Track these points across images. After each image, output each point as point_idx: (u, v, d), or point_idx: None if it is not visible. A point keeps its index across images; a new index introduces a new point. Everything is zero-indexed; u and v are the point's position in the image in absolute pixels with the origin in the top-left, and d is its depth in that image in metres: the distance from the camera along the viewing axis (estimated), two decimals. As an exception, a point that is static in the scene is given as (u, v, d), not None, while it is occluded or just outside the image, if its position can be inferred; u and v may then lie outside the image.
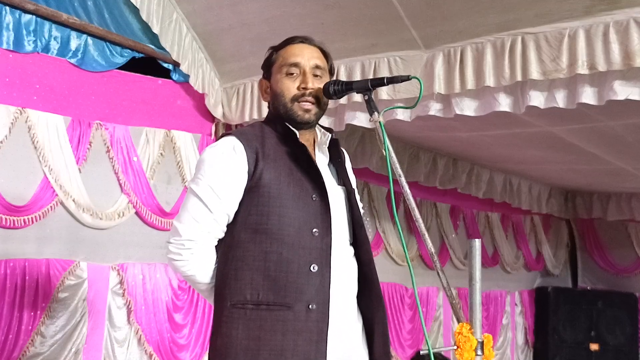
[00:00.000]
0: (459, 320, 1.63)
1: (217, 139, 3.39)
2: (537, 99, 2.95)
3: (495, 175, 6.01)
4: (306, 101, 1.78)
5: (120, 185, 3.45)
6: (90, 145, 3.33)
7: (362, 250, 1.82)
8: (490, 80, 2.91)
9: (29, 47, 3.10)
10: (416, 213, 1.68)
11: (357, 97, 2.99)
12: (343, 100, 3.26)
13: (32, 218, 3.05)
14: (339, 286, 1.73)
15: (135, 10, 3.57)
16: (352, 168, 2.00)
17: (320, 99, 1.80)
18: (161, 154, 3.67)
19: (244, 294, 1.67)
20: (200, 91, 3.86)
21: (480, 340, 1.59)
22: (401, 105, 3.17)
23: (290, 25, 3.31)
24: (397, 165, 1.66)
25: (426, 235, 1.68)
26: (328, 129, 1.90)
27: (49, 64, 3.22)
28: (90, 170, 3.33)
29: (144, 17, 3.53)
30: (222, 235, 1.76)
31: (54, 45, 3.23)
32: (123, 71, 3.57)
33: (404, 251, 1.87)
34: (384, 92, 3.17)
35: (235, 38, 3.68)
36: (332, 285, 1.70)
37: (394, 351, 5.04)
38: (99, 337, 3.31)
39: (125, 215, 3.46)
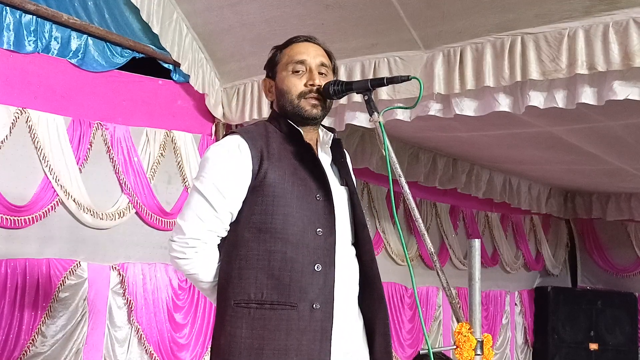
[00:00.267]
0: (458, 320, 1.64)
1: (217, 139, 3.41)
2: (536, 99, 2.95)
3: (495, 175, 6.01)
4: (313, 97, 1.78)
5: (120, 185, 3.46)
6: (90, 145, 3.33)
7: (364, 250, 1.83)
8: (490, 81, 2.92)
9: (29, 47, 3.11)
10: (416, 213, 1.68)
11: (357, 97, 2.99)
12: (343, 100, 3.26)
13: (32, 218, 3.06)
14: (342, 286, 1.73)
15: (135, 11, 3.57)
16: (352, 168, 2.01)
17: (326, 96, 1.81)
18: (161, 154, 3.68)
19: (247, 293, 1.67)
20: (201, 91, 3.87)
21: (479, 339, 1.59)
22: (401, 105, 3.17)
23: (290, 25, 3.31)
24: (397, 165, 1.66)
25: (426, 235, 1.68)
26: (330, 129, 1.90)
27: (50, 64, 3.22)
28: (90, 170, 3.33)
29: (144, 17, 3.53)
30: (225, 234, 1.76)
31: (55, 46, 3.24)
32: (123, 71, 3.58)
33: (404, 251, 1.87)
34: (383, 92, 3.17)
35: (235, 38, 3.69)
36: (335, 285, 1.70)
37: (394, 351, 5.04)
38: (99, 336, 3.31)
39: (126, 215, 3.47)
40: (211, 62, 3.90)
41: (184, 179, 3.75)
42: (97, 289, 3.30)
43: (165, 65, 3.78)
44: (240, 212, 1.73)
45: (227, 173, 1.72)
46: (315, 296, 1.66)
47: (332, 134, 1.88)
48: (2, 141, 2.97)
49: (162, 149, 3.68)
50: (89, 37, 3.38)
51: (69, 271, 3.18)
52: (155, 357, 3.48)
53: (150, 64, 3.73)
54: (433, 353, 1.53)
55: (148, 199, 3.56)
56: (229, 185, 1.71)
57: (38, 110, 3.13)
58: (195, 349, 3.70)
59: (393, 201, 2.25)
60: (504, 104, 3.07)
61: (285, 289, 1.66)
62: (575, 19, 2.69)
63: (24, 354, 2.96)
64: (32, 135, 3.09)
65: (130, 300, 3.41)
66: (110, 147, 3.42)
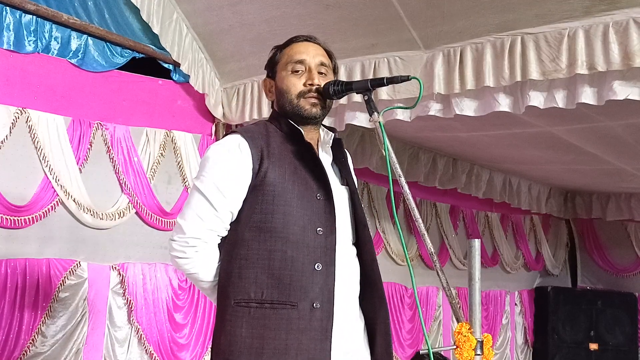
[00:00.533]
0: (458, 320, 1.64)
1: (217, 139, 3.41)
2: (536, 99, 2.95)
3: (495, 175, 6.01)
4: (312, 97, 1.79)
5: (120, 185, 3.46)
6: (90, 145, 3.33)
7: (365, 250, 1.83)
8: (490, 81, 2.92)
9: (29, 47, 3.11)
10: (416, 213, 1.68)
11: (357, 97, 2.99)
12: (343, 100, 3.27)
13: (32, 218, 3.06)
14: (343, 285, 1.73)
15: (135, 11, 3.57)
16: (353, 168, 2.01)
17: (326, 97, 1.81)
18: (161, 154, 3.68)
19: (248, 293, 1.67)
20: (201, 91, 3.87)
21: (479, 339, 1.59)
22: (401, 105, 3.17)
23: (290, 25, 3.31)
24: (397, 165, 1.66)
25: (426, 235, 1.68)
26: (331, 129, 1.90)
27: (50, 64, 3.22)
28: (90, 170, 3.34)
29: (144, 17, 3.53)
30: (225, 233, 1.76)
31: (55, 46, 3.24)
32: (123, 71, 3.58)
33: (404, 251, 1.87)
34: (383, 92, 3.17)
35: (235, 38, 3.69)
36: (336, 284, 1.70)
37: (394, 351, 5.04)
38: (99, 336, 3.31)
39: (126, 215, 3.47)
40: (211, 62, 3.90)
41: (184, 179, 3.75)
42: (97, 289, 3.30)
43: (165, 65, 3.78)
44: (240, 211, 1.74)
45: (227, 172, 1.72)
46: (316, 295, 1.66)
47: (333, 134, 1.88)
48: (2, 141, 2.97)
49: (162, 149, 3.68)
50: (89, 37, 3.38)
51: (69, 271, 3.18)
52: (155, 357, 3.48)
53: (150, 64, 3.73)
54: (433, 353, 1.53)
55: (148, 199, 3.56)
56: (230, 185, 1.71)
57: (38, 110, 3.13)
58: (195, 349, 3.70)
59: (393, 201, 2.24)
60: (504, 104, 3.07)
61: (285, 288, 1.66)
62: (575, 19, 2.69)
63: (24, 354, 2.96)
64: (32, 135, 3.09)
65: (130, 300, 3.41)
66: (110, 147, 3.42)
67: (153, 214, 3.57)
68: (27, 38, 3.10)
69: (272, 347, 1.63)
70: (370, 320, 1.82)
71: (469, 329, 1.59)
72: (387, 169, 1.64)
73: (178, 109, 3.86)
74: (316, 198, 1.73)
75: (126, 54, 3.57)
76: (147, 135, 3.63)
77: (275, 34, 3.22)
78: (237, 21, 3.57)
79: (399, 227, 1.69)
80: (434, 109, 3.26)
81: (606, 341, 6.63)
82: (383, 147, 1.67)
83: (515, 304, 6.81)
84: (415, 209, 1.68)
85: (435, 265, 1.67)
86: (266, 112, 3.63)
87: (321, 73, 1.82)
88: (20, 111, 3.06)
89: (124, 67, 3.58)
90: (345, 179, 1.88)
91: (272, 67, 1.89)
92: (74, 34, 3.31)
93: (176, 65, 3.76)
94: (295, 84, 1.80)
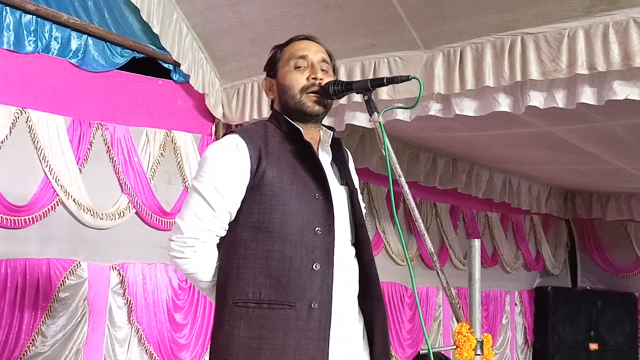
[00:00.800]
0: (458, 320, 1.64)
1: (217, 139, 3.40)
2: (536, 99, 2.95)
3: (495, 175, 6.01)
4: (314, 93, 1.78)
5: (120, 185, 3.46)
6: (90, 145, 3.33)
7: (363, 250, 1.82)
8: (490, 81, 2.92)
9: (29, 47, 3.11)
10: (416, 213, 1.68)
11: (357, 97, 2.99)
12: (343, 100, 3.27)
13: (32, 218, 3.06)
14: (341, 285, 1.73)
15: (135, 11, 3.57)
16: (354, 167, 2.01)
17: (326, 96, 1.81)
18: (161, 154, 3.68)
19: (246, 293, 1.67)
20: (201, 91, 3.87)
21: (479, 339, 1.59)
22: (401, 105, 3.17)
23: (290, 25, 3.31)
24: (397, 166, 1.66)
25: (426, 235, 1.68)
26: (329, 128, 1.90)
27: (50, 64, 3.22)
28: (90, 170, 3.34)
29: (144, 17, 3.53)
30: (224, 233, 1.76)
31: (55, 46, 3.24)
32: (123, 71, 3.58)
33: (404, 251, 1.87)
34: (383, 92, 3.17)
35: (235, 38, 3.69)
36: (334, 284, 1.70)
37: (394, 351, 5.04)
38: (99, 336, 3.31)
39: (126, 215, 3.47)
40: (211, 62, 3.90)
41: (184, 179, 3.75)
42: (97, 289, 3.31)
43: (165, 65, 3.78)
44: (239, 211, 1.73)
45: (225, 172, 1.72)
46: (314, 295, 1.66)
47: (332, 133, 1.88)
48: (2, 141, 2.98)
49: (162, 149, 3.69)
50: (89, 37, 3.38)
51: (69, 271, 3.18)
52: (155, 357, 3.48)
53: (150, 64, 3.73)
54: (433, 353, 1.53)
55: (148, 199, 3.56)
56: (228, 185, 1.71)
57: (38, 110, 3.13)
58: (195, 349, 3.70)
59: (393, 201, 2.25)
60: (504, 104, 3.07)
61: (283, 288, 1.66)
62: (575, 19, 2.69)
63: (24, 354, 2.96)
64: (32, 135, 3.09)
65: (130, 300, 3.41)
66: (110, 147, 3.42)
67: (153, 214, 3.57)
68: (27, 38, 3.10)
69: (270, 347, 1.63)
70: (369, 321, 1.81)
71: (469, 329, 1.59)
72: (387, 169, 1.64)
73: (178, 109, 3.86)
74: (315, 198, 1.73)
75: (126, 54, 3.57)
76: (147, 135, 3.63)
77: (275, 34, 3.22)
78: (237, 21, 3.57)
79: (399, 227, 1.69)
80: (434, 109, 3.26)
81: (606, 341, 6.63)
82: (383, 147, 1.66)
83: (515, 304, 6.81)
84: (415, 209, 1.68)
85: (435, 265, 1.67)
86: (266, 112, 3.63)
87: (323, 70, 1.83)
88: (20, 111, 3.06)
89: (124, 67, 3.58)
90: (345, 179, 1.88)
91: (272, 66, 1.88)
92: (74, 34, 3.31)
93: (176, 65, 3.76)
94: (298, 79, 1.80)
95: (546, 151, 4.87)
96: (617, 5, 2.57)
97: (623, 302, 6.75)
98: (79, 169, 3.26)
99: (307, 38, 1.89)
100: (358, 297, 1.82)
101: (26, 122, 3.08)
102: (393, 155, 1.66)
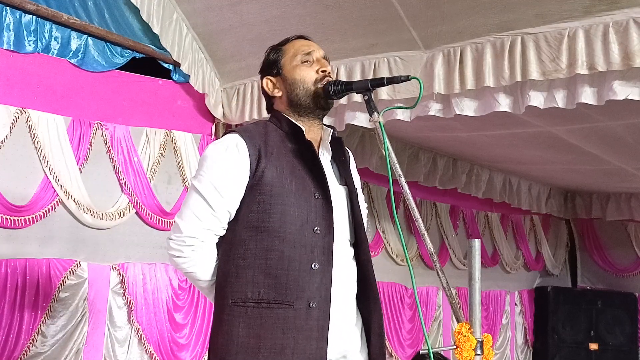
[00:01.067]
0: (458, 320, 1.64)
1: (217, 139, 3.41)
2: (536, 99, 2.96)
3: (494, 175, 6.01)
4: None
5: (120, 185, 3.46)
6: (90, 145, 3.33)
7: (361, 250, 1.83)
8: (490, 81, 2.92)
9: (29, 47, 3.11)
10: (416, 213, 1.68)
11: (357, 97, 2.99)
12: (343, 100, 3.27)
13: (32, 218, 3.06)
14: (340, 285, 1.73)
15: (135, 11, 3.57)
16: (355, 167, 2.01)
17: (326, 96, 1.81)
18: (161, 154, 3.68)
19: (244, 292, 1.67)
20: (201, 91, 3.87)
21: (479, 339, 1.59)
22: (401, 105, 3.17)
23: (290, 25, 3.31)
24: (397, 165, 1.66)
25: (426, 235, 1.68)
26: (329, 127, 1.90)
27: (50, 64, 3.22)
28: (90, 170, 3.34)
29: (144, 17, 3.53)
30: (223, 232, 1.76)
31: (55, 46, 3.24)
32: (123, 71, 3.58)
33: (404, 251, 1.87)
34: (383, 92, 3.17)
35: (235, 38, 3.69)
36: (333, 284, 1.70)
37: (394, 351, 5.04)
38: (99, 336, 3.31)
39: (126, 215, 3.47)
40: (211, 62, 3.90)
41: (184, 179, 3.75)
42: (97, 289, 3.31)
43: (165, 65, 3.78)
44: (238, 210, 1.74)
45: (225, 172, 1.72)
46: (312, 295, 1.67)
47: (332, 132, 1.88)
48: (2, 141, 2.98)
49: (162, 149, 3.69)
50: (89, 37, 3.38)
51: (69, 271, 3.18)
52: (155, 357, 3.48)
53: (150, 64, 3.73)
54: (433, 353, 1.53)
55: (148, 199, 3.56)
56: (227, 184, 1.71)
57: (38, 110, 3.13)
58: (195, 349, 3.70)
59: (393, 201, 2.25)
60: (504, 104, 3.07)
61: (282, 287, 1.66)
62: (575, 19, 2.69)
63: (24, 354, 2.96)
64: (32, 135, 3.09)
65: (130, 300, 3.41)
66: (110, 147, 3.42)
67: (153, 214, 3.57)
68: (27, 38, 3.10)
69: (268, 347, 1.63)
70: (366, 321, 1.82)
71: (469, 329, 1.59)
72: (387, 169, 1.65)
73: (178, 109, 3.86)
74: (314, 197, 1.73)
75: (126, 54, 3.57)
76: (147, 135, 3.63)
77: (275, 34, 3.20)
78: (237, 21, 3.57)
79: (399, 227, 1.69)
80: (434, 109, 3.26)
81: (606, 341, 6.63)
82: (383, 147, 1.67)
83: (515, 304, 6.81)
84: (415, 209, 1.68)
85: (435, 265, 1.67)
86: (266, 112, 3.63)
87: None
88: (20, 111, 3.06)
89: (124, 67, 3.58)
90: (344, 179, 1.88)
91: (274, 65, 1.88)
92: (74, 34, 3.31)
93: (176, 65, 3.76)
94: (310, 72, 1.82)
95: (546, 151, 4.87)
96: (617, 5, 2.57)
97: (623, 302, 6.74)
98: (79, 169, 3.26)
99: (304, 37, 1.90)
100: (355, 297, 1.82)
101: (26, 122, 3.08)
102: (393, 155, 1.66)
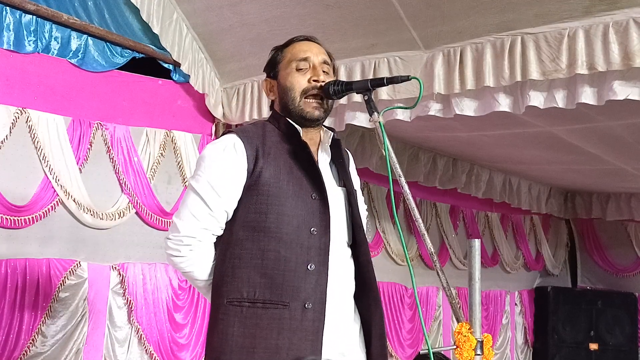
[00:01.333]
0: (458, 320, 1.64)
1: (217, 139, 3.41)
2: (536, 99, 2.95)
3: (494, 175, 6.01)
4: (314, 97, 1.78)
5: (120, 185, 3.46)
6: (90, 145, 3.33)
7: (360, 251, 1.82)
8: (490, 81, 2.92)
9: (29, 47, 3.11)
10: (416, 213, 1.68)
11: (357, 97, 2.99)
12: (343, 100, 3.27)
13: (32, 218, 3.06)
14: (336, 286, 1.73)
15: (135, 11, 3.57)
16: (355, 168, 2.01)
17: (326, 97, 1.80)
18: (161, 154, 3.68)
19: (240, 292, 1.67)
20: (201, 91, 3.87)
21: (479, 339, 1.59)
22: (401, 105, 3.17)
23: (290, 25, 3.31)
24: (397, 166, 1.66)
25: (426, 235, 1.68)
26: (330, 129, 1.90)
27: (50, 64, 3.22)
28: (90, 170, 3.34)
29: (144, 17, 3.53)
30: (220, 232, 1.76)
31: (55, 46, 3.24)
32: (123, 71, 3.58)
33: (404, 251, 1.87)
34: (383, 92, 3.17)
35: (235, 38, 3.69)
36: (329, 285, 1.70)
37: (394, 351, 5.04)
38: (99, 336, 3.31)
39: (126, 215, 3.47)
40: (211, 62, 3.90)
41: (184, 179, 3.75)
42: (97, 289, 3.31)
43: (165, 65, 3.78)
44: (235, 211, 1.74)
45: (222, 172, 1.72)
46: (308, 296, 1.66)
47: (332, 134, 1.88)
48: (2, 141, 2.98)
49: (162, 149, 3.69)
50: (89, 37, 3.38)
51: (69, 271, 3.18)
52: (155, 357, 3.48)
53: (150, 64, 3.73)
54: (433, 353, 1.53)
55: (148, 199, 3.56)
56: (225, 184, 1.72)
57: (38, 110, 3.13)
58: (195, 349, 3.70)
59: (393, 201, 2.24)
60: (504, 104, 3.07)
61: (277, 288, 1.66)
62: (575, 19, 2.69)
63: (24, 354, 2.96)
64: (32, 135, 3.09)
65: (130, 300, 3.41)
66: (110, 147, 3.42)
67: (153, 214, 3.57)
68: (27, 38, 3.10)
69: (263, 347, 1.63)
70: (366, 322, 1.81)
71: (469, 329, 1.59)
72: (387, 169, 1.64)
73: (178, 109, 3.86)
74: (311, 198, 1.73)
75: (126, 54, 3.57)
76: (147, 135, 3.63)
77: (275, 34, 3.22)
78: (237, 21, 3.57)
79: (399, 227, 1.69)
80: (434, 109, 3.26)
81: (606, 341, 6.63)
82: (383, 147, 1.67)
83: (515, 304, 6.81)
84: (415, 209, 1.68)
85: (435, 265, 1.67)
86: (266, 112, 3.63)
87: (324, 72, 1.82)
88: (20, 111, 3.06)
89: (124, 67, 3.58)
90: (343, 180, 1.88)
91: (273, 67, 1.88)
92: (74, 34, 3.31)
93: (176, 65, 3.76)
94: (300, 81, 1.80)
95: (546, 151, 4.87)
96: (617, 5, 2.57)
97: (623, 302, 6.75)
98: (79, 169, 3.26)
99: (307, 39, 1.88)
100: (355, 298, 1.82)
101: (26, 122, 3.08)
102: (393, 155, 1.66)
